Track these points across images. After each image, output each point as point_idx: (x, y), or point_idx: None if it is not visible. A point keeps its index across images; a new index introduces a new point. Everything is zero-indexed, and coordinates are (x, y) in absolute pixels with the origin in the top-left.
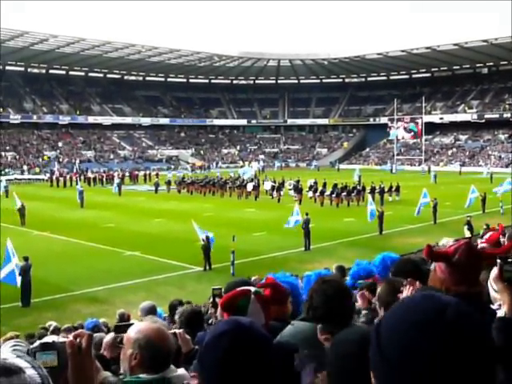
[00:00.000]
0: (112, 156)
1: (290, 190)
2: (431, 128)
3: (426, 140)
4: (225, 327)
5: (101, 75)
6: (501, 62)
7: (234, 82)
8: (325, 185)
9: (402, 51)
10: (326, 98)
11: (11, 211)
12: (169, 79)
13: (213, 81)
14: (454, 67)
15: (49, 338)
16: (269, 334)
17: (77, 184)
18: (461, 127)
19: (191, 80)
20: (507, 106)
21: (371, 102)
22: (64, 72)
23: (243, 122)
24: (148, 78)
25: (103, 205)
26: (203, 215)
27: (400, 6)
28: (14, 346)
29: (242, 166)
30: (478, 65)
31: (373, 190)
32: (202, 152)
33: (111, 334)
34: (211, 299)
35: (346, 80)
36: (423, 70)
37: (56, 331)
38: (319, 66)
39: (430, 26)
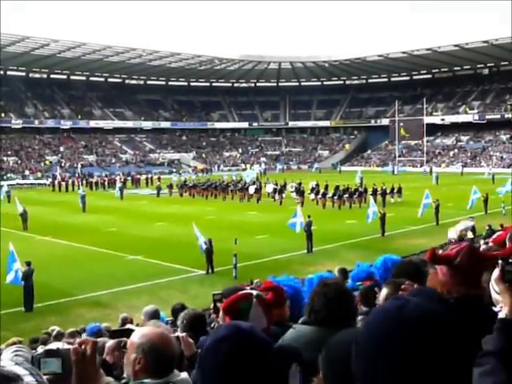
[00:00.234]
0: (114, 160)
1: (292, 192)
2: (432, 129)
3: (427, 141)
4: (225, 332)
5: (102, 79)
6: (501, 62)
7: (235, 84)
8: (327, 187)
9: (403, 53)
10: (327, 100)
11: (13, 216)
12: (170, 83)
13: (214, 84)
14: (455, 68)
15: (53, 345)
16: (269, 337)
17: (79, 188)
18: (462, 128)
19: (192, 83)
20: (508, 107)
21: (372, 103)
22: (65, 76)
23: (244, 124)
24: (149, 82)
25: (105, 209)
26: (205, 218)
27: (400, 8)
28: (16, 351)
29: (244, 169)
30: (478, 65)
31: (375, 192)
32: (203, 155)
33: (113, 340)
34: (212, 304)
35: (347, 82)
36: (424, 72)
37: (59, 336)
38: (320, 69)
39: (431, 27)
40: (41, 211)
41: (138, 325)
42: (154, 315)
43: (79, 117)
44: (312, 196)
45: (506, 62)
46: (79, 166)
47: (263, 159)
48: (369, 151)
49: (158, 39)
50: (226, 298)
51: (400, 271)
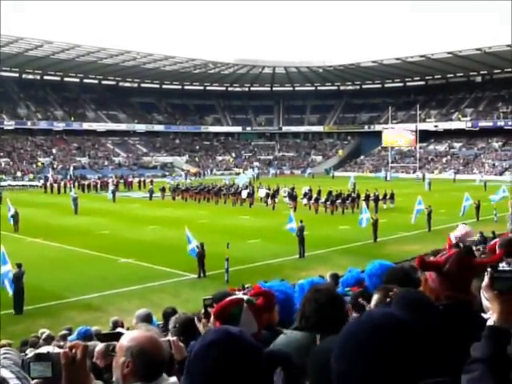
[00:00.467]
0: (106, 162)
1: (285, 197)
2: (425, 136)
3: (420, 148)
4: (214, 336)
5: (96, 81)
6: (494, 70)
7: (229, 89)
8: (319, 192)
9: (397, 59)
10: (321, 106)
11: (4, 217)
12: (164, 86)
13: (208, 88)
14: (448, 75)
15: (43, 349)
16: (259, 342)
17: (71, 190)
18: (455, 135)
19: (186, 87)
20: (501, 114)
21: (366, 109)
22: (59, 78)
23: (238, 129)
24: (143, 85)
25: (97, 211)
26: (198, 222)
27: (394, 14)
28: (4, 354)
29: (238, 174)
30: (471, 73)
31: (367, 198)
32: (196, 159)
33: (103, 344)
34: (203, 310)
35: (341, 87)
36: (417, 78)
37: (48, 339)
38: (314, 74)
39: (425, 34)
40: (32, 213)
41: (128, 328)
42: (147, 318)
43: (72, 119)
44: (305, 201)
45: (499, 70)
46: (71, 168)
47: (256, 164)
48: (362, 157)
49: (153, 42)
50: (217, 303)
51: (390, 277)
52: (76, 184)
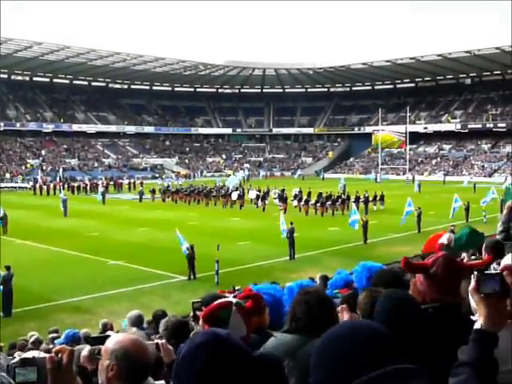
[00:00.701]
0: (96, 164)
1: (275, 199)
2: (415, 137)
3: (410, 149)
4: (202, 339)
5: (85, 83)
6: (484, 72)
7: (220, 90)
8: (309, 194)
9: (387, 61)
10: (311, 108)
11: None
12: (154, 87)
13: (198, 89)
14: (438, 77)
15: (29, 354)
16: (249, 345)
17: (60, 192)
18: (444, 137)
19: (176, 88)
20: (490, 116)
21: (356, 111)
22: (48, 79)
23: (228, 130)
24: (133, 86)
25: (87, 213)
26: (188, 224)
27: (385, 16)
28: None
29: (228, 175)
30: (461, 75)
31: (357, 199)
32: (186, 160)
33: (88, 347)
34: (192, 313)
35: (331, 89)
36: (407, 80)
37: (36, 343)
38: (304, 76)
39: (415, 36)
40: (21, 215)
41: (118, 331)
42: (138, 320)
43: (62, 120)
44: (295, 203)
45: (488, 73)
46: (61, 169)
47: (246, 165)
48: (352, 159)
49: (143, 44)
50: (206, 305)
51: (378, 280)
52: (65, 186)
